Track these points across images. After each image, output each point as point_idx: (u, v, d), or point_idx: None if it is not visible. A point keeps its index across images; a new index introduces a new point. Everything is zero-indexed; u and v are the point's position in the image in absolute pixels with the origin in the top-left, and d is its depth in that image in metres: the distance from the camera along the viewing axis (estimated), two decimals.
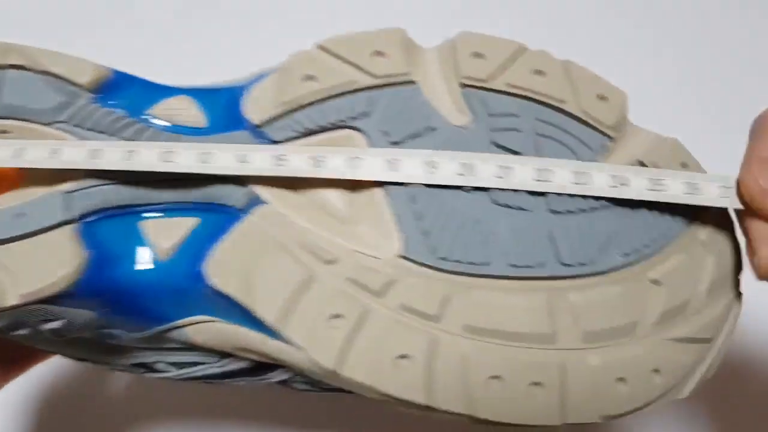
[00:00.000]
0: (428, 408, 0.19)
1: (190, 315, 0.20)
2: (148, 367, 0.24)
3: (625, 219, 0.20)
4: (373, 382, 0.19)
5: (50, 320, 0.20)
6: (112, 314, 0.20)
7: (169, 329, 0.21)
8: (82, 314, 0.20)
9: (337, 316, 0.19)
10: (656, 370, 0.19)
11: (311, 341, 0.19)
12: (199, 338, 0.21)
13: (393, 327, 0.19)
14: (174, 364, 0.23)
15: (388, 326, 0.19)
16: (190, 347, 0.22)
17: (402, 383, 0.19)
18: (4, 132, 0.21)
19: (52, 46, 0.21)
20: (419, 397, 0.19)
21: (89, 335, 0.21)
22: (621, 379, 0.19)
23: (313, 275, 0.19)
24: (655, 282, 0.20)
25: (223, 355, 0.22)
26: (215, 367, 0.23)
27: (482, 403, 0.19)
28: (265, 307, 0.19)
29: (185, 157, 0.20)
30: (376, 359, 0.19)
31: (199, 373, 0.23)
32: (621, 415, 0.19)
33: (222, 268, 0.20)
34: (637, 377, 0.19)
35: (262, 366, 0.21)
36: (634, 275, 0.20)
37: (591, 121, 0.20)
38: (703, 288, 0.20)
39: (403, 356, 0.19)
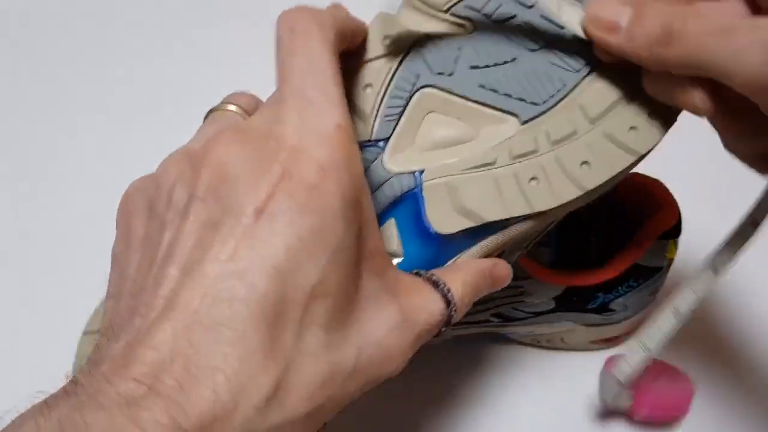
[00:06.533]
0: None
1: (453, 256, 0.25)
2: None
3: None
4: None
5: None
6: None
7: None
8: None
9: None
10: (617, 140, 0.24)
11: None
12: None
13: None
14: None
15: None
16: None
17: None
18: None
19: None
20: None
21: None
22: (585, 162, 0.24)
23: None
24: (581, 107, 0.24)
25: None
26: None
27: (534, 198, 0.24)
28: (491, 215, 0.24)
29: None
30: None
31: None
32: (596, 189, 0.24)
33: (437, 215, 0.24)
34: (599, 156, 0.24)
35: None
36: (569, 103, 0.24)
37: None
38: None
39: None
